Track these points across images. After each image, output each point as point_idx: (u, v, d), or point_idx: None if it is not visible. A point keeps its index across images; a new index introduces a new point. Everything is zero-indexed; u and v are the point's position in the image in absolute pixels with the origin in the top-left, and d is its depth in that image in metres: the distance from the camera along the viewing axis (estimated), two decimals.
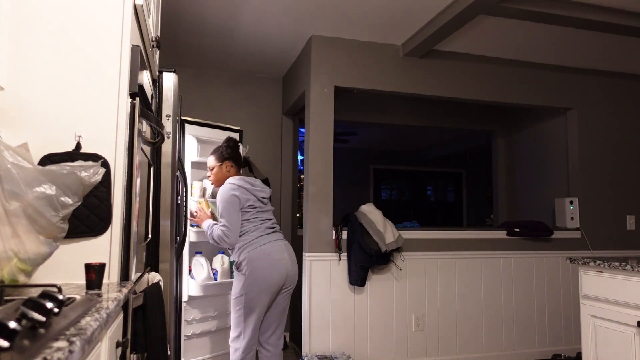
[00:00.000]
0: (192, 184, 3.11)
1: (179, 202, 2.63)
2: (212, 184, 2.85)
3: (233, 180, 2.65)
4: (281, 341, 2.71)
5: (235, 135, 3.49)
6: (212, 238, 2.62)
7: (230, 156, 2.77)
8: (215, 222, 2.70)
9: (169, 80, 2.09)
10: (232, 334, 2.57)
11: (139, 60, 1.51)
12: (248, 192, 2.62)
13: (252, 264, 2.51)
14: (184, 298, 3.00)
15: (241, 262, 2.55)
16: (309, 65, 3.44)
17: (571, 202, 3.83)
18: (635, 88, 4.17)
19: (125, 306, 1.38)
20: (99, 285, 1.23)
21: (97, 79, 1.44)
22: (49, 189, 1.19)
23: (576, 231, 3.86)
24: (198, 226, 2.96)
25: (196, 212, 2.91)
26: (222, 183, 2.69)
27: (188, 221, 2.92)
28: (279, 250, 2.60)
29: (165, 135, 1.98)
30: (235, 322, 2.55)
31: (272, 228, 2.67)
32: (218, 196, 2.64)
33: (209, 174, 2.82)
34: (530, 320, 3.74)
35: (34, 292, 1.05)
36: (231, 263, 3.25)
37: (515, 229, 3.74)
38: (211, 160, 2.78)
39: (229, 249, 2.69)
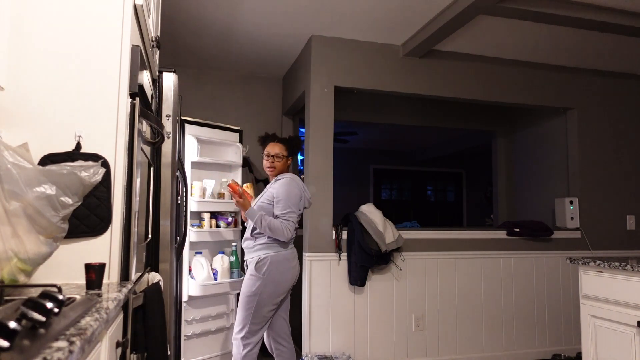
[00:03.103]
0: (192, 184, 3.11)
1: (179, 202, 2.63)
2: (269, 171, 2.74)
3: (299, 181, 2.74)
4: (290, 332, 2.73)
5: (235, 135, 3.49)
6: (269, 228, 2.53)
7: (296, 153, 2.88)
8: (262, 212, 2.59)
9: (169, 80, 2.09)
10: (237, 329, 2.58)
11: (139, 60, 1.51)
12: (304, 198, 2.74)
13: (272, 266, 2.55)
14: (184, 298, 3.01)
15: (261, 262, 2.56)
16: (308, 65, 3.44)
17: (571, 202, 3.83)
18: (635, 88, 4.17)
19: (125, 306, 1.38)
20: (99, 285, 1.22)
21: (97, 79, 1.44)
22: (49, 189, 1.19)
23: (576, 231, 3.86)
24: (237, 205, 2.67)
25: (239, 194, 2.63)
26: (278, 174, 2.74)
27: (188, 221, 2.92)
28: (294, 257, 2.69)
29: (165, 135, 1.98)
30: (242, 319, 2.55)
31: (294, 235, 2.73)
32: (286, 187, 2.61)
33: (268, 160, 2.71)
34: (530, 320, 3.73)
35: (34, 292, 1.05)
36: (231, 263, 3.25)
37: (515, 229, 3.74)
38: (283, 149, 2.74)
39: (255, 236, 2.63)
